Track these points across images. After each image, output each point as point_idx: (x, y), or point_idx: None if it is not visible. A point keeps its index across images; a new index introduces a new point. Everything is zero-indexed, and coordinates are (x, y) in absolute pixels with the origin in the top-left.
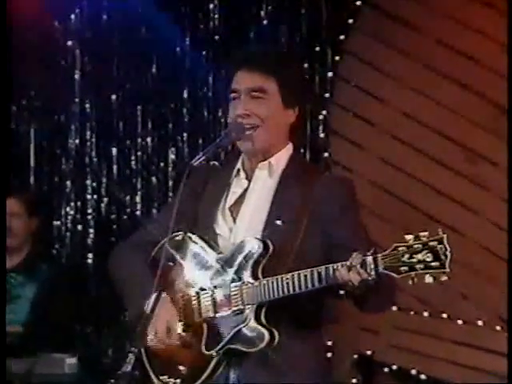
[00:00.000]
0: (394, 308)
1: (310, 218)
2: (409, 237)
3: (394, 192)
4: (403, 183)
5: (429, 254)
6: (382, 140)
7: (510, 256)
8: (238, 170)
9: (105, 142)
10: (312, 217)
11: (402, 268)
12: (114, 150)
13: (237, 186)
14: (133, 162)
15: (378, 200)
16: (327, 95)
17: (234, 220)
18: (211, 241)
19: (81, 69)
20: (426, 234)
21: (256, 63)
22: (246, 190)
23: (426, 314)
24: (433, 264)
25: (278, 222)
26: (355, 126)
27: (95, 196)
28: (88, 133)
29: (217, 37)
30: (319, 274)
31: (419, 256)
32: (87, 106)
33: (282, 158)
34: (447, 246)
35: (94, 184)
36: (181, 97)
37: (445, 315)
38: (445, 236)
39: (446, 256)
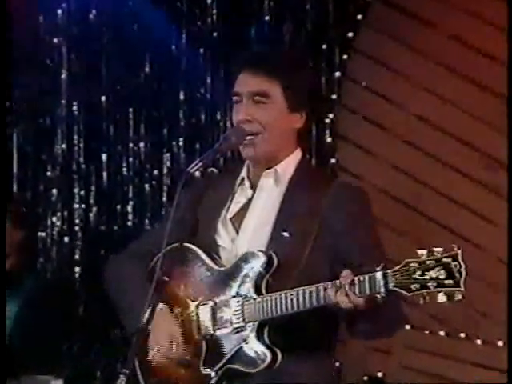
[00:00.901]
0: (407, 326)
1: (318, 230)
2: (421, 252)
3: (407, 201)
4: (416, 192)
5: (442, 271)
6: (393, 145)
7: None
8: (243, 179)
9: (94, 147)
10: (321, 228)
11: (413, 285)
12: (104, 156)
13: (241, 196)
14: (124, 169)
15: (388, 210)
16: (334, 97)
17: (237, 231)
18: (213, 252)
19: (68, 68)
20: (439, 249)
21: (259, 65)
22: (250, 200)
23: (442, 333)
24: (446, 282)
25: (285, 234)
26: (364, 129)
27: (83, 205)
28: (76, 137)
29: (215, 34)
30: (310, 293)
31: (432, 273)
32: (75, 108)
33: (289, 165)
34: (462, 263)
35: (82, 192)
36: (176, 99)
37: (463, 335)
38: (459, 252)
39: (460, 274)
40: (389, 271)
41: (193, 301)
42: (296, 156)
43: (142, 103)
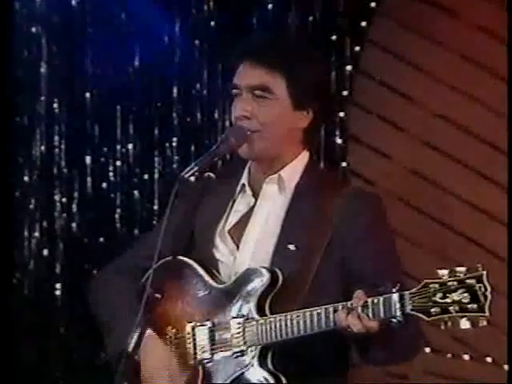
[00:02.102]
0: (427, 349)
1: (328, 243)
2: (442, 272)
3: (427, 210)
4: (438, 200)
5: (465, 294)
6: (411, 147)
7: None
8: (243, 185)
9: (77, 149)
10: (331, 241)
11: (433, 309)
12: (88, 159)
13: (241, 204)
14: (111, 174)
15: (406, 220)
16: (345, 93)
17: (237, 244)
18: (211, 267)
19: (47, 61)
20: (462, 269)
21: (261, 56)
22: (251, 209)
23: (465, 356)
24: (470, 306)
25: (291, 248)
26: (379, 130)
27: (65, 214)
28: (56, 138)
29: (212, 23)
30: (318, 316)
31: (454, 296)
32: (55, 105)
33: (294, 169)
34: (487, 286)
35: (64, 200)
36: (169, 95)
37: (489, 359)
38: (484, 273)
39: (485, 297)
40: (406, 293)
41: (188, 321)
42: (302, 159)
43: (130, 100)
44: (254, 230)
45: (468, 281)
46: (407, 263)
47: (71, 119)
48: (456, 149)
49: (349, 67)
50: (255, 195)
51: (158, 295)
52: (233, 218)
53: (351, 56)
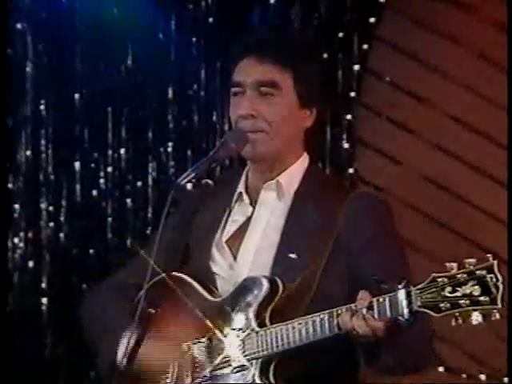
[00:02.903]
0: (441, 369)
1: (332, 250)
2: (451, 265)
3: (439, 218)
4: (451, 207)
5: (476, 287)
6: (423, 152)
7: None
8: (240, 193)
9: (65, 154)
10: (335, 248)
11: (443, 304)
12: (77, 165)
13: (238, 213)
14: (101, 180)
15: (417, 227)
16: (353, 94)
17: (235, 256)
18: (208, 282)
19: (34, 59)
20: (472, 260)
21: (266, 50)
22: (249, 218)
23: (482, 376)
24: (481, 299)
25: (291, 256)
26: (388, 133)
27: (52, 223)
28: (43, 142)
29: (211, 20)
30: (321, 321)
31: (464, 289)
32: (42, 107)
33: (293, 174)
34: (499, 276)
35: (51, 208)
36: (164, 96)
37: (506, 379)
38: (495, 263)
39: (497, 288)
40: (413, 288)
41: (185, 339)
42: (302, 163)
43: (122, 102)
44: (252, 240)
45: (478, 272)
46: (417, 272)
47: (59, 121)
48: (471, 153)
49: (356, 66)
50: (253, 203)
51: (151, 310)
52: (230, 228)
53: (359, 54)
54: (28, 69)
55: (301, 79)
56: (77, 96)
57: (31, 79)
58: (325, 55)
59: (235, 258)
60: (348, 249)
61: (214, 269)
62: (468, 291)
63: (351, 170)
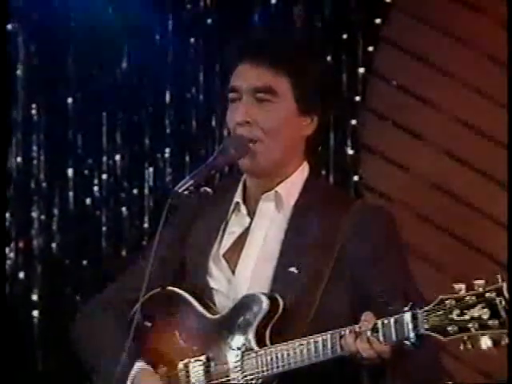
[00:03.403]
0: None
1: (335, 264)
2: (459, 286)
3: (449, 227)
4: (461, 216)
5: (485, 310)
6: (431, 158)
7: None
8: (237, 204)
9: (57, 161)
10: (338, 261)
11: (450, 328)
12: (70, 172)
13: (235, 225)
14: (96, 188)
15: (425, 238)
16: (358, 98)
17: (233, 270)
18: (205, 298)
19: (25, 61)
20: (480, 282)
21: (263, 55)
22: (247, 230)
23: None
24: (490, 323)
25: (292, 270)
26: (395, 138)
27: (44, 233)
28: (34, 148)
29: (209, 21)
30: (324, 342)
31: (473, 312)
32: (33, 111)
33: (293, 184)
34: (507, 298)
35: (43, 217)
36: (162, 100)
37: None
38: (504, 285)
39: (506, 311)
40: (419, 311)
41: (181, 357)
42: (302, 173)
43: (118, 106)
44: (251, 253)
45: (488, 294)
46: (425, 285)
47: (51, 127)
48: (482, 160)
49: (361, 69)
50: (250, 214)
51: (147, 323)
52: (227, 241)
53: (364, 57)
54: (18, 71)
55: (299, 84)
56: (70, 100)
57: (22, 82)
58: (328, 58)
59: (233, 272)
60: (351, 263)
61: (212, 284)
62: (476, 314)
63: (356, 177)
